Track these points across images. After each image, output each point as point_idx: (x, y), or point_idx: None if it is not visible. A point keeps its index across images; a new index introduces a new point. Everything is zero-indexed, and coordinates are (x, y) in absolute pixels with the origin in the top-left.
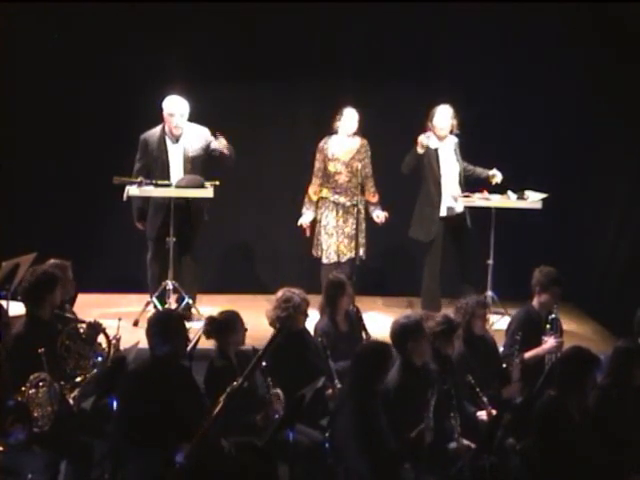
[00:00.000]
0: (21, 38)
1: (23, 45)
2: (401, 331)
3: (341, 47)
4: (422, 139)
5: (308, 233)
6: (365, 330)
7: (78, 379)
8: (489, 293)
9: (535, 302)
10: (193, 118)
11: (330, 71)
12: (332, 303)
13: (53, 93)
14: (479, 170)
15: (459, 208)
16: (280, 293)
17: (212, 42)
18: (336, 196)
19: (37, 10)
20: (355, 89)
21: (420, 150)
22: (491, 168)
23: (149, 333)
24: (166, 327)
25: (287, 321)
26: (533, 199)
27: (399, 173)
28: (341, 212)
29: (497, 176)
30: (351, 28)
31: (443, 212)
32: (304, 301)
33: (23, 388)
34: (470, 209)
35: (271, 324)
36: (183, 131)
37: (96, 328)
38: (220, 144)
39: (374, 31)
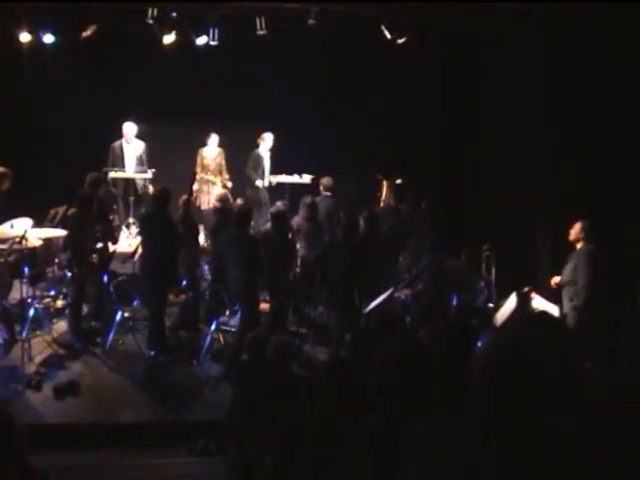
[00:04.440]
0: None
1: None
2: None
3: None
4: (259, 184)
5: (194, 195)
6: None
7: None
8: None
9: None
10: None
11: (210, 115)
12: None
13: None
14: None
15: (267, 183)
16: (222, 192)
17: (154, 90)
18: (207, 176)
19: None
20: (221, 124)
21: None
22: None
23: None
24: None
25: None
26: (306, 179)
27: (242, 168)
28: (210, 184)
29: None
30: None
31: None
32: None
33: None
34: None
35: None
36: (132, 141)
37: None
38: (147, 189)
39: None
